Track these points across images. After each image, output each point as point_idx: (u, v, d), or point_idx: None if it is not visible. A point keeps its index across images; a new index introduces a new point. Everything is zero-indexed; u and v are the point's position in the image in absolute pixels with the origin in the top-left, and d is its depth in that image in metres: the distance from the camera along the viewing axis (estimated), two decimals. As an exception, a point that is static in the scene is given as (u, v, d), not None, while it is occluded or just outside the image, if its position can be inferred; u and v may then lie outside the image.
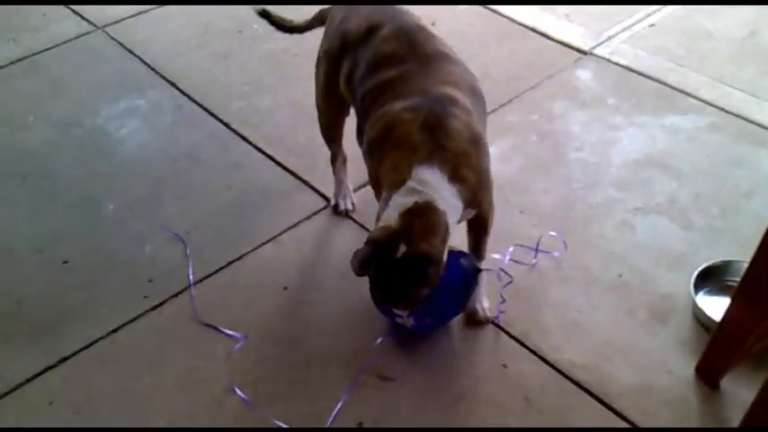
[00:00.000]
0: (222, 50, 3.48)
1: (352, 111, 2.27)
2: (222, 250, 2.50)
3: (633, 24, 3.57)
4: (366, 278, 2.23)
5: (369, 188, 2.17)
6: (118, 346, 2.22)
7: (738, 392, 2.02)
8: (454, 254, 2.02)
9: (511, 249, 2.43)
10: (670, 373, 2.10)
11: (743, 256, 2.05)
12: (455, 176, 1.86)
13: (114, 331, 2.26)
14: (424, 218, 1.82)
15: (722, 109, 3.03)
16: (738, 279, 1.92)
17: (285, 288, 2.38)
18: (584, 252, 2.46)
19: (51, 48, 3.51)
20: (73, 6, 3.78)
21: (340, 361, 2.16)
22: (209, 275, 2.42)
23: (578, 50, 3.41)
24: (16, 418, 2.04)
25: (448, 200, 1.85)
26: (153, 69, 3.35)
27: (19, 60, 3.43)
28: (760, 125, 2.94)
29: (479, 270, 2.19)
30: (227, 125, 3.03)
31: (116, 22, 3.67)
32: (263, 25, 3.60)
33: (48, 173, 2.83)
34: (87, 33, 3.61)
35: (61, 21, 3.69)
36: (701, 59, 3.31)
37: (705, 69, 3.25)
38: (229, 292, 2.37)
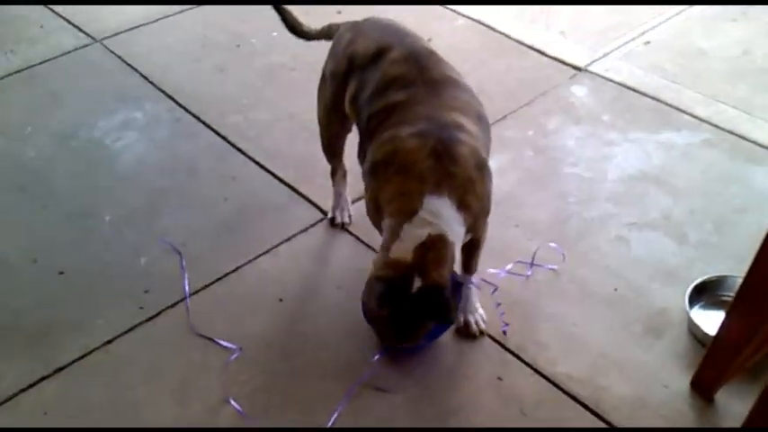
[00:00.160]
0: (220, 64, 3.50)
1: (354, 127, 2.29)
2: (218, 262, 2.50)
3: (628, 42, 3.61)
4: (360, 289, 2.25)
5: (366, 201, 2.18)
6: (113, 357, 2.22)
7: (733, 406, 2.03)
8: None
9: (509, 267, 2.44)
10: (665, 387, 2.11)
11: (737, 271, 2.06)
12: (462, 205, 1.87)
13: (109, 342, 2.25)
14: (436, 251, 1.83)
15: (716, 126, 3.05)
16: (733, 294, 1.94)
17: (281, 300, 2.38)
18: (580, 266, 2.47)
19: (49, 60, 3.52)
20: (71, 19, 3.79)
21: (335, 373, 2.16)
22: (205, 287, 2.42)
23: (574, 67, 3.44)
24: (10, 427, 2.03)
25: (456, 230, 1.87)
26: (150, 82, 3.37)
27: (16, 72, 3.44)
28: (753, 142, 2.97)
29: (460, 284, 2.20)
30: (224, 138, 3.04)
31: (114, 34, 3.69)
32: (261, 39, 3.67)
33: (44, 184, 2.83)
34: (85, 46, 3.62)
35: (59, 33, 3.71)
36: (696, 77, 3.34)
37: (699, 87, 3.28)
38: (225, 304, 2.37)
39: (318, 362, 2.19)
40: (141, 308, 2.35)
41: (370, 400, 2.09)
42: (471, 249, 2.14)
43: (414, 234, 1.83)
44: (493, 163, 2.79)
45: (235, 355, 2.20)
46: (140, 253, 2.54)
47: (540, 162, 2.91)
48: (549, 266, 2.45)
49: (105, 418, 2.05)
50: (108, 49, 3.60)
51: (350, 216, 2.62)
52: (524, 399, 2.09)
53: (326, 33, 2.53)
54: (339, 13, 3.74)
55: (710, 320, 2.19)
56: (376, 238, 2.06)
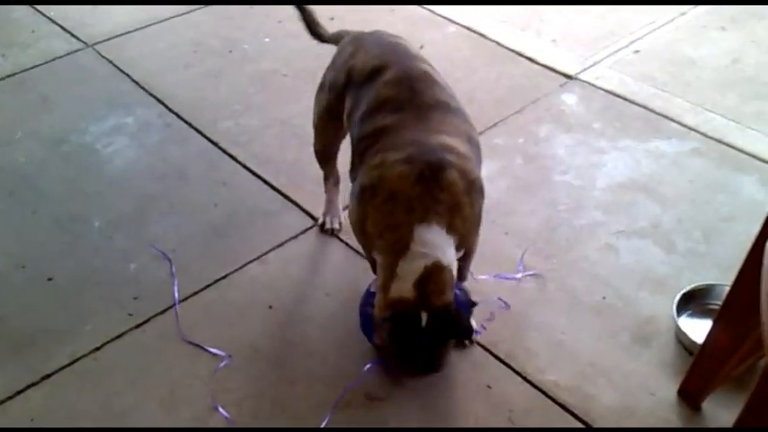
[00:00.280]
0: (212, 69, 3.50)
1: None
2: (208, 268, 2.49)
3: (618, 50, 3.63)
4: (350, 297, 2.26)
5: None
6: (101, 364, 2.21)
7: (720, 414, 2.04)
8: None
9: (518, 276, 2.46)
10: (652, 395, 2.12)
11: (725, 279, 2.07)
12: (451, 228, 1.87)
13: (98, 349, 2.24)
14: (435, 280, 1.84)
15: (705, 134, 3.07)
16: (720, 302, 1.95)
17: (270, 307, 2.38)
18: (569, 274, 2.48)
19: (40, 64, 3.52)
20: (63, 24, 3.79)
21: (325, 380, 2.15)
22: (195, 293, 2.42)
23: (564, 75, 3.45)
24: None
25: (449, 253, 1.88)
26: (142, 87, 3.37)
27: (7, 77, 3.43)
28: (741, 151, 2.98)
29: (475, 304, 2.20)
30: (215, 143, 3.04)
31: (106, 39, 3.69)
32: (253, 45, 3.68)
33: (34, 189, 2.82)
34: (77, 51, 3.62)
35: (51, 38, 3.70)
36: (685, 86, 3.36)
37: (688, 95, 3.30)
38: (214, 311, 2.37)
39: (308, 369, 2.19)
40: (130, 314, 2.34)
41: (359, 407, 2.09)
42: (462, 260, 2.14)
43: (410, 270, 1.83)
44: (483, 170, 2.80)
45: (224, 363, 2.20)
46: (130, 259, 2.53)
47: (530, 170, 2.92)
48: (530, 272, 2.46)
49: (93, 424, 2.04)
50: (100, 54, 3.60)
51: (340, 223, 2.62)
52: (513, 406, 2.09)
53: (336, 39, 2.51)
54: (332, 19, 3.75)
55: (698, 329, 2.20)
56: (365, 246, 2.07)
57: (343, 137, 2.41)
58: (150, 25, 3.82)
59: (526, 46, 3.66)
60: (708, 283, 2.37)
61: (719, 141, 3.03)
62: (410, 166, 1.88)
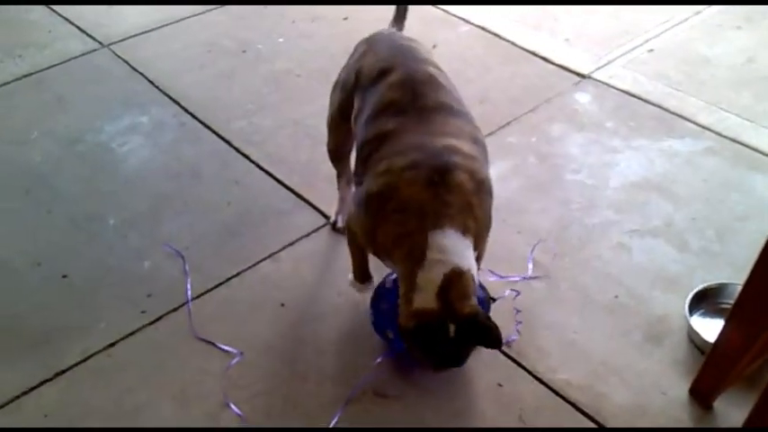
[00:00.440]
0: (226, 70, 3.52)
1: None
2: (221, 266, 2.51)
3: (632, 49, 3.61)
4: (362, 295, 2.27)
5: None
6: (114, 361, 2.23)
7: (732, 413, 2.03)
8: None
9: (521, 278, 2.45)
10: (664, 394, 2.11)
11: (737, 278, 2.06)
12: (465, 230, 1.84)
13: (111, 345, 2.26)
14: (457, 287, 1.79)
15: (719, 134, 3.05)
16: (733, 302, 1.93)
17: (282, 305, 2.39)
18: (581, 273, 2.47)
19: (57, 65, 3.55)
20: (79, 24, 3.83)
21: (336, 378, 2.16)
22: (207, 291, 2.43)
23: (578, 74, 3.44)
24: (12, 427, 2.06)
25: (467, 255, 1.83)
26: (157, 87, 3.39)
27: (24, 76, 3.47)
28: (756, 150, 2.96)
29: (494, 299, 2.19)
30: (228, 143, 3.06)
31: (121, 40, 3.72)
32: (267, 45, 3.70)
33: (50, 188, 2.85)
34: (92, 51, 3.65)
35: (67, 38, 3.74)
36: (699, 85, 3.35)
37: (703, 94, 3.28)
38: (227, 308, 2.38)
39: (319, 367, 2.20)
40: (143, 312, 2.36)
41: (370, 405, 2.09)
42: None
43: (430, 279, 1.79)
44: (495, 169, 2.82)
45: (236, 360, 2.21)
46: (144, 257, 2.56)
47: (543, 169, 2.92)
48: (534, 276, 2.46)
49: (106, 421, 2.06)
50: (115, 54, 3.63)
51: (352, 221, 2.62)
52: (524, 405, 2.09)
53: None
54: (345, 19, 3.77)
55: (710, 328, 2.19)
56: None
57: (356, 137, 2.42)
58: (165, 26, 3.85)
59: (540, 45, 3.65)
60: (720, 282, 2.36)
61: (734, 140, 3.02)
62: (417, 171, 1.86)
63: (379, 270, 2.22)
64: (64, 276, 2.49)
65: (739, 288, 1.87)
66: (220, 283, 2.46)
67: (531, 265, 2.48)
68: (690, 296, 2.30)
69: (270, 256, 2.55)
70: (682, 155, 2.96)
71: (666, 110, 3.20)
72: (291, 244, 2.60)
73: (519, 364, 2.20)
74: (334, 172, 2.59)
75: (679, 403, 2.09)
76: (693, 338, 2.24)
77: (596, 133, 3.09)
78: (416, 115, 2.00)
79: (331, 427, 2.03)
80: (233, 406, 2.08)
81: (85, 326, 2.32)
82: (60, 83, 3.44)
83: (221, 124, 3.16)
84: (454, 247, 1.81)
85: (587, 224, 2.66)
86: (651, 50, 3.61)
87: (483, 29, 3.79)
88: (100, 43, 3.70)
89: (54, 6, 3.98)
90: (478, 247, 1.96)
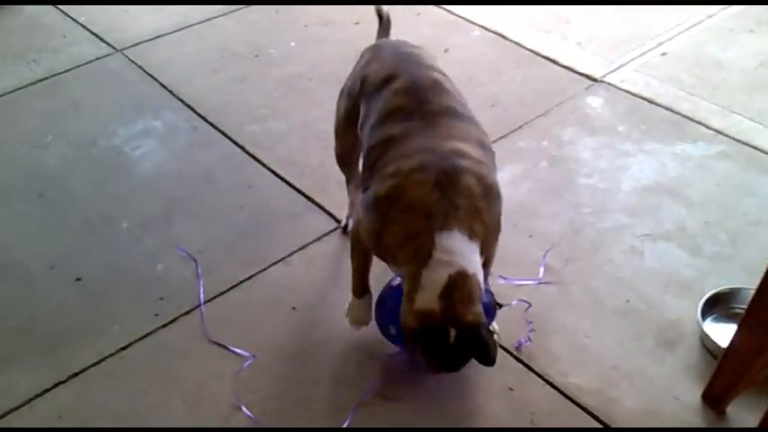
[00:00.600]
0: (238, 74, 3.54)
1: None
2: (233, 270, 2.52)
3: (645, 53, 3.60)
4: (374, 300, 2.27)
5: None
6: (127, 363, 2.25)
7: (745, 418, 2.03)
8: None
9: (534, 282, 2.45)
10: (676, 399, 2.10)
11: (750, 283, 2.05)
12: (472, 233, 1.83)
13: (124, 348, 2.28)
14: (461, 290, 1.78)
15: (732, 138, 3.04)
16: (745, 306, 1.93)
17: (294, 308, 2.40)
18: (592, 277, 2.47)
19: (71, 69, 3.58)
20: (93, 29, 3.86)
21: (347, 381, 2.17)
22: (220, 294, 2.45)
23: (589, 78, 3.44)
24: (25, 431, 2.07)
25: (473, 260, 1.82)
26: (170, 92, 3.41)
27: (39, 81, 3.50)
28: (769, 154, 2.96)
29: (500, 306, 2.19)
30: (241, 147, 3.08)
31: (134, 45, 3.75)
32: (279, 50, 3.71)
33: (63, 191, 2.88)
34: (106, 56, 3.68)
35: (81, 43, 3.77)
36: (712, 88, 3.34)
37: (716, 98, 3.27)
38: (239, 312, 2.40)
39: (330, 370, 2.21)
40: (156, 315, 2.38)
41: (381, 408, 2.10)
42: (482, 266, 2.13)
43: (434, 279, 1.78)
44: (507, 173, 2.83)
45: (247, 363, 2.22)
46: (157, 260, 2.57)
47: (555, 172, 2.92)
48: (544, 281, 2.45)
49: (119, 423, 2.08)
50: (129, 58, 3.66)
51: (363, 225, 2.62)
52: (535, 409, 2.09)
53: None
54: (357, 23, 3.78)
55: (723, 333, 2.18)
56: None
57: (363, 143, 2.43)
58: (178, 30, 3.87)
59: (551, 49, 3.65)
60: (733, 286, 2.35)
61: (747, 144, 3.01)
62: (424, 173, 1.86)
63: (383, 277, 2.22)
64: (78, 279, 2.51)
65: (752, 293, 1.87)
66: (233, 287, 2.47)
67: (542, 270, 2.48)
68: (702, 301, 2.30)
69: (282, 260, 2.56)
70: (694, 159, 2.95)
71: (679, 113, 3.19)
72: (303, 247, 2.60)
73: (530, 368, 2.20)
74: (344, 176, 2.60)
75: (692, 408, 2.08)
76: (706, 343, 2.23)
77: (608, 137, 3.09)
78: (422, 120, 2.00)
79: (344, 427, 2.04)
80: (245, 408, 2.09)
81: (99, 328, 2.34)
82: (74, 87, 3.47)
83: (234, 128, 3.18)
84: (461, 249, 1.81)
85: (599, 228, 2.66)
86: (664, 54, 3.60)
87: (494, 33, 3.79)
88: (113, 48, 3.73)
89: (68, 11, 4.01)
90: (486, 252, 1.95)
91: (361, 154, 2.17)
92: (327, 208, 2.75)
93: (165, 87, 3.44)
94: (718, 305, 2.32)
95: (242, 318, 2.37)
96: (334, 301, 2.40)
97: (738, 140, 3.03)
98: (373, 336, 2.23)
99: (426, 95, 2.05)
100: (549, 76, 3.48)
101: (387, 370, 2.19)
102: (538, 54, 3.63)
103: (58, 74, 3.55)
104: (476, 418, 2.09)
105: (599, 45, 3.68)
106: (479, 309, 1.81)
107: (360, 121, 2.20)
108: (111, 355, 2.26)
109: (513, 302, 2.35)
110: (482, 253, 1.89)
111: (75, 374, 2.20)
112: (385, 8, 2.53)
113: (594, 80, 3.42)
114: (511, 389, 2.14)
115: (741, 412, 2.04)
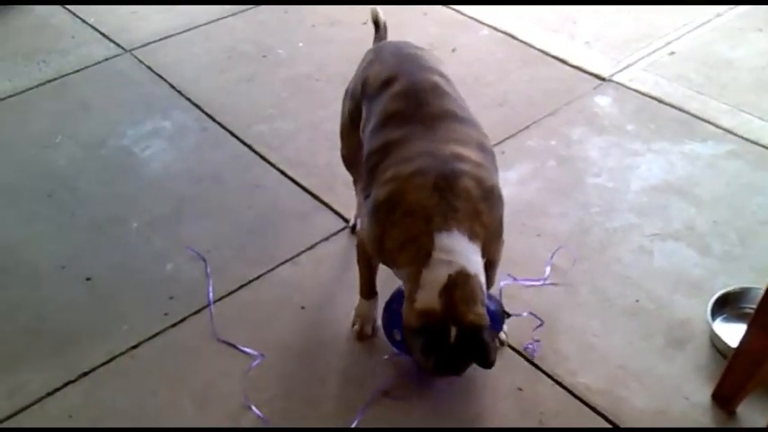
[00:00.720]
0: (246, 74, 3.55)
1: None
2: (242, 269, 2.53)
3: (653, 52, 3.60)
4: (380, 298, 2.27)
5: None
6: (137, 362, 2.25)
7: (755, 419, 2.02)
8: None
9: (539, 283, 2.45)
10: (686, 399, 2.10)
11: (760, 282, 2.05)
12: (472, 234, 1.84)
13: (134, 347, 2.29)
14: (462, 289, 1.79)
15: (741, 137, 3.03)
16: (755, 306, 1.92)
17: (303, 307, 2.41)
18: (601, 277, 2.47)
19: (80, 70, 3.59)
20: (102, 29, 3.87)
21: (355, 381, 2.17)
22: (229, 294, 2.45)
23: (598, 77, 3.43)
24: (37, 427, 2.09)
25: (474, 260, 1.83)
26: (179, 92, 3.42)
27: (48, 82, 3.51)
28: (779, 153, 2.95)
29: (509, 315, 2.19)
30: (249, 147, 3.08)
31: (143, 45, 3.76)
32: (286, 50, 3.72)
33: (73, 191, 2.89)
34: (115, 56, 3.69)
35: (90, 44, 3.78)
36: (721, 87, 3.33)
37: (724, 97, 3.26)
38: (248, 311, 2.40)
39: (339, 370, 2.21)
40: (166, 314, 2.38)
41: (389, 408, 2.10)
42: (487, 269, 2.13)
43: (434, 278, 1.79)
44: (515, 172, 2.83)
45: (256, 362, 2.22)
46: (166, 260, 2.58)
47: (563, 172, 2.91)
48: (549, 282, 2.45)
49: (129, 422, 2.09)
50: (137, 59, 3.67)
51: (372, 225, 2.62)
52: (544, 409, 2.09)
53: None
54: (365, 24, 3.78)
55: (733, 332, 2.17)
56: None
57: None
58: (186, 31, 3.88)
59: (559, 48, 3.64)
60: (743, 286, 2.34)
61: (756, 143, 3.00)
62: (424, 177, 1.86)
63: (390, 282, 2.20)
64: (87, 279, 2.52)
65: (762, 292, 1.86)
66: (241, 286, 2.48)
67: (548, 269, 2.47)
68: (712, 300, 2.29)
69: (290, 259, 2.56)
70: (703, 158, 2.95)
71: (688, 112, 3.18)
72: (311, 247, 2.61)
73: (539, 368, 2.20)
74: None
75: (701, 408, 2.07)
76: (716, 343, 2.22)
77: (617, 136, 3.08)
78: (421, 123, 2.00)
79: (352, 427, 2.04)
80: (254, 408, 2.09)
81: (108, 328, 2.35)
82: (84, 88, 3.49)
83: (242, 128, 3.18)
84: (461, 249, 1.82)
85: (608, 228, 2.65)
86: (672, 53, 3.59)
87: (502, 32, 3.78)
88: (122, 48, 3.74)
89: (77, 12, 4.02)
90: (489, 254, 1.95)
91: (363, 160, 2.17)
92: (335, 207, 2.76)
93: (173, 87, 3.45)
94: (727, 305, 2.32)
95: (251, 317, 2.38)
96: (343, 300, 2.41)
97: (747, 139, 3.02)
98: (382, 335, 2.23)
99: (426, 98, 2.05)
100: (558, 76, 3.48)
101: (395, 370, 2.19)
102: (546, 53, 3.62)
103: (68, 74, 3.56)
104: (485, 418, 2.09)
105: (607, 44, 3.67)
106: (482, 310, 1.81)
107: (362, 124, 2.20)
108: (121, 354, 2.27)
109: (524, 314, 2.34)
110: (484, 255, 1.90)
111: (85, 374, 2.21)
112: (381, 15, 2.53)
113: (603, 79, 3.42)
114: (520, 389, 2.14)
115: (751, 412, 2.04)
